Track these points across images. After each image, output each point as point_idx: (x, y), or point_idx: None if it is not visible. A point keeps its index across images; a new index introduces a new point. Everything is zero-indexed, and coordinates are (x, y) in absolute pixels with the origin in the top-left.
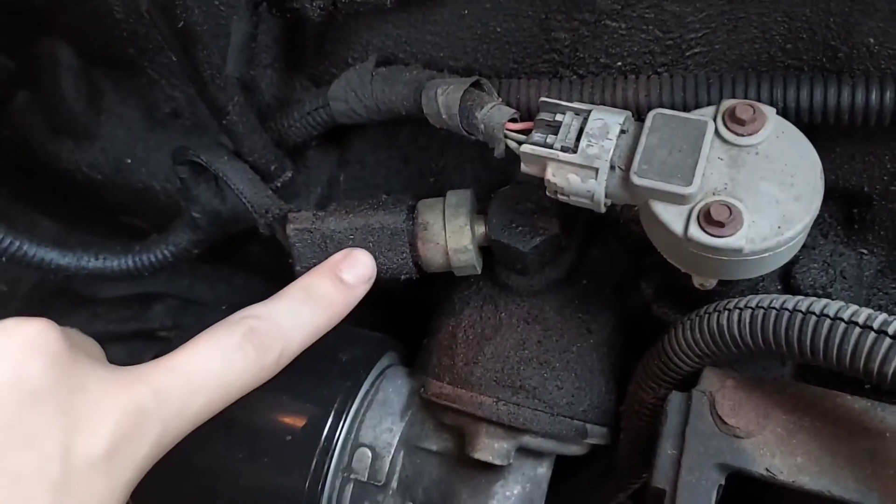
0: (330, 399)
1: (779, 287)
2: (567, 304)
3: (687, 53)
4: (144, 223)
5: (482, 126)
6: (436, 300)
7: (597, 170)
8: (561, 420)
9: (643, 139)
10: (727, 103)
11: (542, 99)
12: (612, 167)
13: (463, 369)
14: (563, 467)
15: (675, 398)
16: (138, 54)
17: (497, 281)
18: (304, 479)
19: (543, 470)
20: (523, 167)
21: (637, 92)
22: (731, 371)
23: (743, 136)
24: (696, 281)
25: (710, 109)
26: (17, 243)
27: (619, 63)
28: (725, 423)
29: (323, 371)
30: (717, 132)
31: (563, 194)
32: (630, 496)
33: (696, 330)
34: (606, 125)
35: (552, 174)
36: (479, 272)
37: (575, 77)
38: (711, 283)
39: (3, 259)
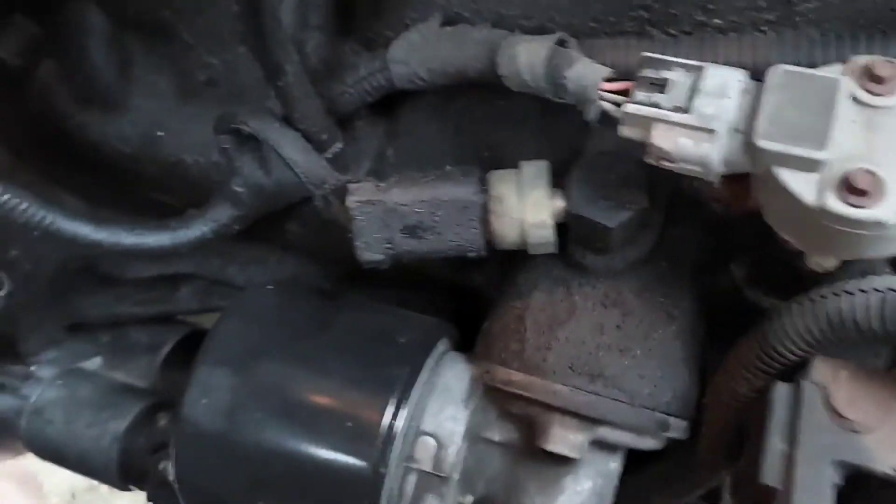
0: (390, 384)
1: (887, 270)
2: (647, 287)
3: (796, 8)
4: (175, 200)
5: (572, 86)
6: (483, 283)
7: (713, 132)
8: (642, 411)
9: (766, 98)
10: (860, 60)
11: (645, 54)
12: (730, 129)
13: (534, 355)
14: (631, 462)
15: (782, 389)
16: (174, 17)
17: (570, 261)
18: (364, 469)
19: (616, 465)
20: (622, 130)
21: (753, 50)
22: (843, 361)
23: (881, 95)
24: (813, 261)
25: (836, 67)
26: (51, 217)
27: (718, 20)
28: (842, 416)
29: (381, 354)
30: (848, 92)
31: (668, 161)
32: (702, 495)
33: (810, 315)
34: (725, 82)
35: (659, 137)
36: (555, 250)
37: (666, 36)
38: (831, 264)
39: (36, 233)
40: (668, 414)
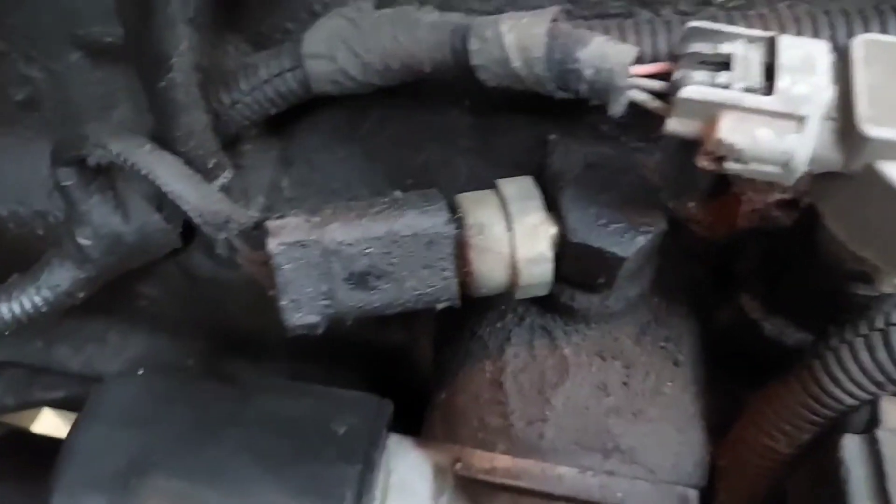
0: (337, 492)
1: None
2: (644, 331)
3: None
4: None
5: (589, 72)
6: (406, 341)
7: (803, 119)
8: (666, 489)
9: (860, 74)
10: None
11: (693, 23)
12: (823, 116)
13: (526, 431)
14: None
15: (853, 443)
16: None
17: (551, 305)
18: None
19: None
20: (672, 125)
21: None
22: None
23: None
24: (890, 283)
25: None
26: None
27: None
28: None
29: (316, 451)
30: None
31: (737, 161)
32: None
33: (882, 348)
34: (809, 55)
35: (729, 130)
36: (547, 293)
37: (658, 19)
38: None
39: None
40: (689, 486)
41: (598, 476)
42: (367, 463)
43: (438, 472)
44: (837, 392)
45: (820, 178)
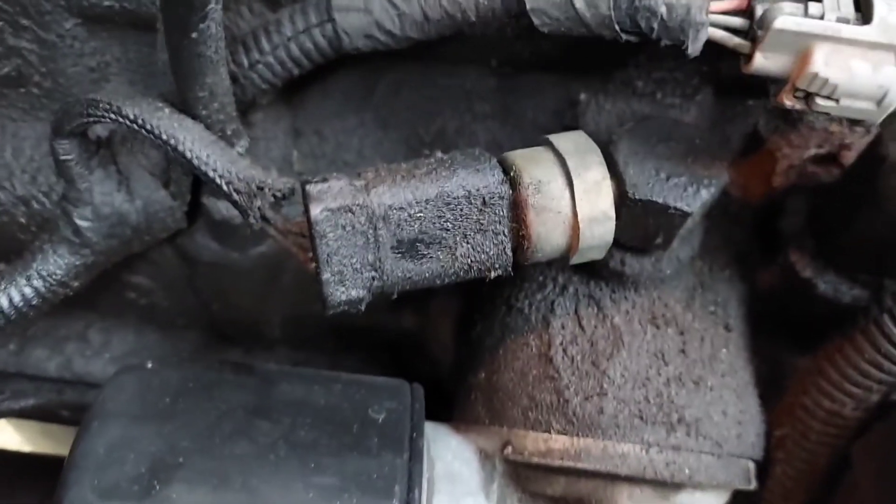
0: (387, 485)
1: None
2: (693, 295)
3: None
4: None
5: (663, 9)
6: (417, 325)
7: None
8: (731, 462)
9: None
10: None
11: None
12: None
13: (583, 407)
14: None
15: None
16: None
17: (597, 270)
18: None
19: None
20: (759, 62)
21: None
22: None
23: None
24: None
25: None
26: None
27: None
28: None
29: (358, 441)
30: None
31: (829, 98)
32: None
33: None
34: None
35: (824, 63)
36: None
37: None
38: None
39: None
40: (752, 459)
41: (664, 452)
42: (413, 452)
43: (485, 458)
44: None
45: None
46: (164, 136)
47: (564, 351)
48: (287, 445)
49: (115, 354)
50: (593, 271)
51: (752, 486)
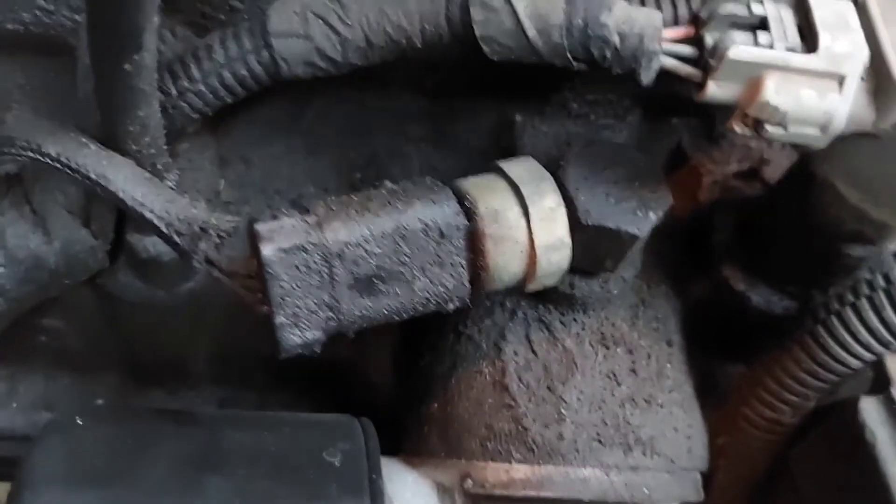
0: None
1: None
2: (636, 313)
3: None
4: None
5: (615, 38)
6: (350, 356)
7: (843, 78)
8: (684, 477)
9: (882, 31)
10: None
11: None
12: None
13: (543, 434)
14: None
15: (871, 405)
16: None
17: (542, 295)
18: None
19: None
20: (711, 90)
21: None
22: None
23: None
24: (894, 242)
25: None
26: None
27: None
28: None
29: (318, 486)
30: None
31: (779, 124)
32: None
33: (888, 306)
34: (841, 13)
35: (775, 91)
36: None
37: None
38: None
39: None
40: (701, 472)
41: (622, 474)
42: (373, 494)
43: (444, 492)
44: (844, 355)
45: (835, 143)
46: (93, 176)
47: (519, 378)
48: (243, 499)
49: (23, 403)
50: (542, 295)
51: (701, 497)
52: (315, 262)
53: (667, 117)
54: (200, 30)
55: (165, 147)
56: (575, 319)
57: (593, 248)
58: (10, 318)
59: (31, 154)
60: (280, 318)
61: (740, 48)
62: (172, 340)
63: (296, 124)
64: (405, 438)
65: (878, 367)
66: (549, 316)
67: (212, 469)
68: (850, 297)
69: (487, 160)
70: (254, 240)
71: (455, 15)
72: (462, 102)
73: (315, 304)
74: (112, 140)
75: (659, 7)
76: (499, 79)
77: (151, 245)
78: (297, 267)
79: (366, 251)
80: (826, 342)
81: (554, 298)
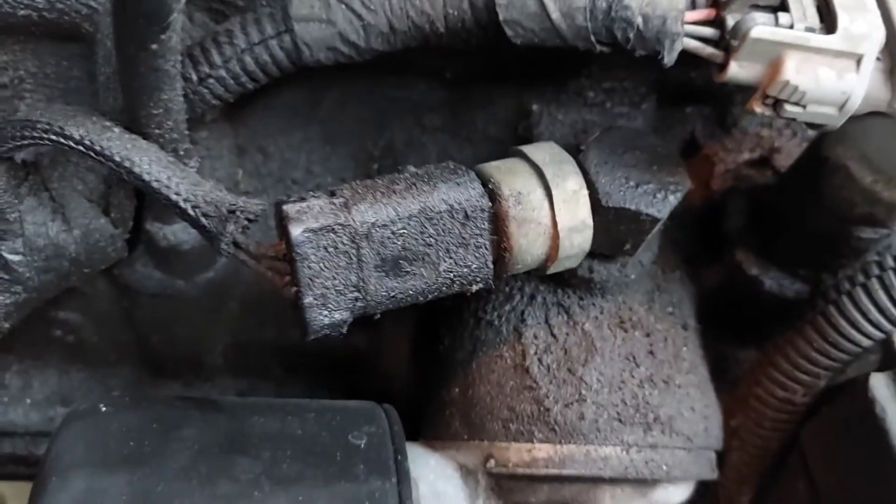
0: None
1: None
2: (652, 298)
3: None
4: None
5: (639, 20)
6: (367, 346)
7: (860, 57)
8: (701, 455)
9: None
10: None
11: None
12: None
13: (564, 414)
14: None
15: (881, 382)
16: None
17: (561, 279)
18: None
19: None
20: (733, 70)
21: None
22: None
23: None
24: None
25: None
26: None
27: None
28: None
29: (344, 467)
30: None
31: (797, 103)
32: None
33: None
34: None
35: (795, 70)
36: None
37: None
38: None
39: None
40: (717, 451)
41: (642, 451)
42: (400, 474)
43: (467, 474)
44: (855, 334)
45: (853, 121)
46: (118, 159)
47: (540, 360)
48: (271, 481)
49: (36, 399)
50: (560, 279)
51: (716, 475)
52: (343, 243)
53: (680, 106)
54: (219, 15)
55: (187, 133)
56: (593, 304)
57: (614, 230)
58: (29, 308)
59: (52, 137)
60: (309, 299)
61: (762, 27)
62: (190, 332)
63: (313, 114)
64: (425, 425)
65: (887, 345)
66: (568, 300)
67: (238, 451)
68: (861, 278)
69: (504, 149)
70: (282, 221)
71: (479, 1)
72: (479, 92)
73: (343, 284)
74: (135, 124)
75: None
76: (516, 68)
77: (171, 234)
78: (325, 248)
79: (392, 232)
80: (837, 322)
81: (573, 283)
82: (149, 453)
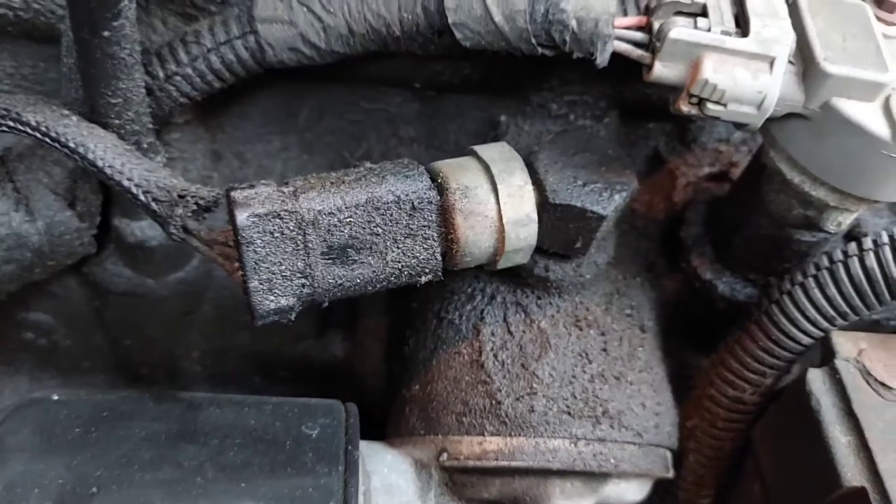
0: (323, 499)
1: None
2: (610, 300)
3: None
4: None
5: (573, 23)
6: (345, 354)
7: (773, 60)
8: (651, 451)
9: (809, 22)
10: None
11: None
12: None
13: (515, 407)
14: None
15: (817, 376)
16: None
17: (523, 278)
18: None
19: None
20: (658, 70)
21: None
22: (857, 332)
23: (892, 24)
24: (834, 221)
25: None
26: None
27: None
28: (890, 387)
29: (292, 456)
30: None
31: (717, 102)
32: None
33: (831, 284)
34: (771, 3)
35: (713, 70)
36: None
37: None
38: (846, 223)
39: None
40: (670, 448)
41: (591, 444)
42: (348, 465)
43: (421, 468)
44: (795, 332)
45: (777, 124)
46: (72, 145)
47: (495, 356)
48: (215, 468)
49: (6, 407)
50: (519, 280)
51: (670, 474)
52: (289, 229)
53: (643, 122)
54: (191, 20)
55: (151, 127)
56: (550, 303)
57: (563, 228)
58: None
59: (10, 123)
60: (254, 283)
61: (681, 29)
62: (165, 335)
63: (291, 123)
64: (389, 423)
65: (825, 342)
66: (526, 300)
67: (186, 440)
68: (799, 278)
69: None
70: (230, 206)
71: (430, 3)
72: (450, 104)
73: (289, 270)
74: (94, 113)
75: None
76: (484, 79)
77: (139, 229)
78: (271, 233)
79: (339, 220)
80: (779, 320)
81: (531, 282)
82: (93, 440)
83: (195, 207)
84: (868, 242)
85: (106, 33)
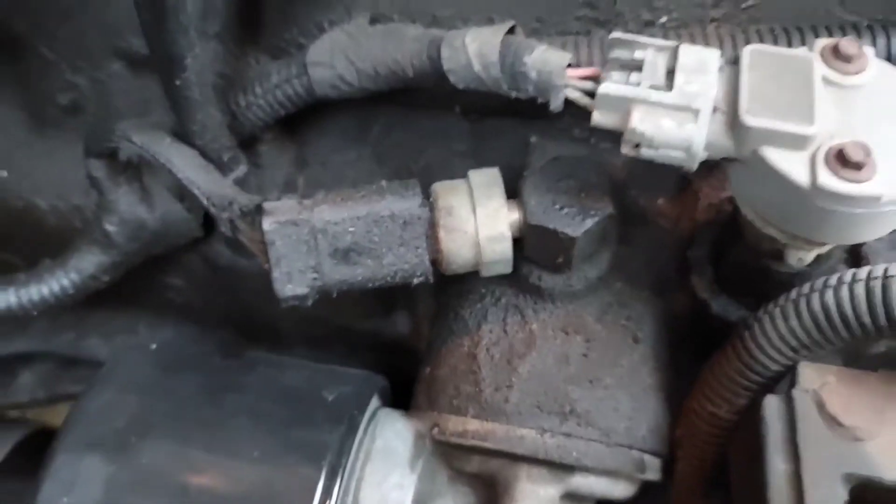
0: (319, 451)
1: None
2: (607, 310)
3: (743, 6)
4: (20, 258)
5: (533, 74)
6: (409, 332)
7: (697, 111)
8: (619, 451)
9: (745, 76)
10: (824, 41)
11: (615, 34)
12: (714, 109)
13: (493, 396)
14: None
15: (773, 403)
16: (30, 27)
17: (523, 285)
18: None
19: None
20: (596, 117)
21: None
22: (828, 365)
23: (849, 74)
24: (793, 257)
25: (803, 49)
26: None
27: (665, 18)
28: (841, 424)
29: (305, 415)
30: (819, 73)
31: (649, 147)
32: None
33: (794, 317)
34: (702, 59)
35: (639, 120)
36: (509, 270)
37: (607, 35)
38: (810, 258)
39: None
40: (643, 451)
41: (556, 437)
42: (350, 426)
43: (419, 437)
44: (762, 357)
45: (729, 166)
46: (161, 160)
47: (487, 350)
48: (246, 414)
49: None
50: (521, 286)
51: (654, 477)
52: (303, 234)
53: None
54: (277, 59)
55: (230, 144)
56: (544, 308)
57: (541, 245)
58: (123, 268)
59: (125, 143)
60: (276, 274)
61: (609, 84)
62: (260, 303)
63: (365, 137)
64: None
65: (793, 370)
66: (524, 303)
67: (233, 390)
68: (771, 306)
69: (515, 172)
70: (260, 214)
71: (433, 54)
72: (491, 124)
73: (303, 266)
74: (183, 135)
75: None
76: (515, 107)
77: None
78: (289, 236)
79: (343, 229)
80: (749, 345)
81: (528, 289)
82: (166, 382)
83: (239, 212)
84: (833, 279)
85: (177, 82)
